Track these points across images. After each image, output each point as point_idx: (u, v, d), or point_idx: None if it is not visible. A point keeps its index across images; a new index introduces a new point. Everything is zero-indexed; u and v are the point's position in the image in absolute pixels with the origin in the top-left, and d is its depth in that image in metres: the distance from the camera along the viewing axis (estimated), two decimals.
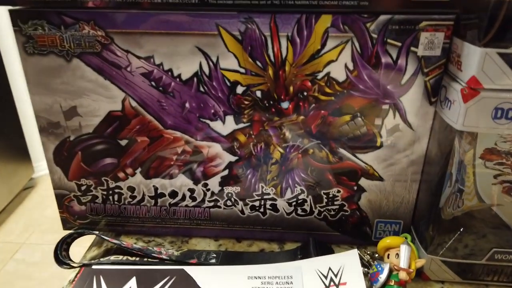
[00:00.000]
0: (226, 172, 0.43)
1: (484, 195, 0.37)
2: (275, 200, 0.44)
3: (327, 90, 0.38)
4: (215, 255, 0.43)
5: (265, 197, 0.44)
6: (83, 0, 0.36)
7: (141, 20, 0.37)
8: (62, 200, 0.46)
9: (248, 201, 0.44)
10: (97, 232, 0.46)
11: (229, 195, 0.44)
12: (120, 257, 0.42)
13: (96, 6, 0.36)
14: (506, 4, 0.30)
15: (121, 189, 0.45)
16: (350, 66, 0.37)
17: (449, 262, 0.39)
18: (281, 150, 0.41)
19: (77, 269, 0.41)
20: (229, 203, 0.45)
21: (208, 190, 0.44)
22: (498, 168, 0.36)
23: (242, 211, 0.45)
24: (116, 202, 0.46)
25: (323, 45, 0.36)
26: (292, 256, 0.42)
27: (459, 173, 0.36)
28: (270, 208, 0.45)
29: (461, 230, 0.38)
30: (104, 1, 0.36)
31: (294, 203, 0.44)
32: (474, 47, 0.32)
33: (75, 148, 0.43)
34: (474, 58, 0.32)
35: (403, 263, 0.37)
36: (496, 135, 0.34)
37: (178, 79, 0.39)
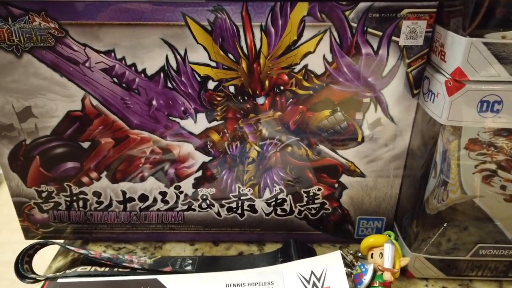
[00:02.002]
0: (199, 173, 0.40)
1: (467, 186, 0.36)
2: (253, 200, 0.42)
3: (305, 83, 0.36)
4: (190, 261, 0.40)
5: (242, 198, 0.41)
6: None
7: (98, 10, 0.33)
8: (21, 208, 0.42)
9: (225, 202, 0.42)
10: (61, 241, 0.42)
11: (204, 197, 0.42)
12: (88, 267, 0.39)
13: None
14: None
15: (86, 194, 0.41)
16: (329, 58, 0.35)
17: (433, 259, 0.38)
18: (258, 149, 0.39)
19: (42, 282, 0.38)
20: (204, 205, 0.42)
21: (181, 192, 0.41)
22: (480, 159, 0.34)
23: (218, 213, 0.43)
24: (81, 209, 0.42)
25: (300, 35, 0.34)
26: (273, 259, 0.40)
27: (444, 163, 0.34)
28: (248, 209, 0.42)
29: (445, 224, 0.37)
30: None
31: (273, 203, 0.42)
32: (459, 37, 0.30)
33: (32, 152, 0.39)
34: (459, 49, 0.30)
35: (387, 263, 0.36)
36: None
37: (142, 75, 0.36)
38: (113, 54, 0.35)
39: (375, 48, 0.34)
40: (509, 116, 0.32)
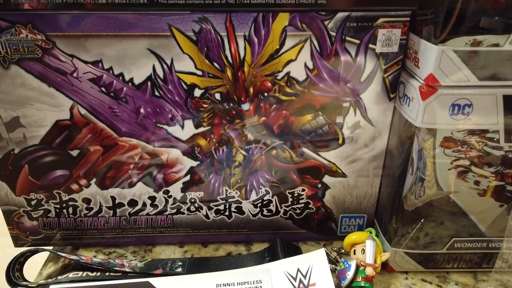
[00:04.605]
0: (187, 177, 0.41)
1: (442, 183, 0.38)
2: (240, 202, 0.43)
3: (288, 90, 0.37)
4: (181, 263, 0.41)
5: (229, 200, 0.43)
6: (18, 2, 0.33)
7: (84, 22, 0.34)
8: (10, 217, 0.43)
9: (213, 205, 0.43)
10: (51, 248, 0.43)
11: (192, 200, 0.43)
12: (80, 273, 0.40)
13: (33, 8, 0.33)
14: None
15: (76, 201, 0.42)
16: (310, 65, 0.36)
17: (412, 253, 0.40)
18: (244, 153, 0.40)
19: None
20: (192, 208, 0.43)
21: (170, 197, 0.42)
22: (454, 155, 0.36)
23: (206, 216, 0.44)
24: (71, 215, 0.43)
25: (282, 44, 0.35)
26: (260, 258, 0.41)
27: (420, 161, 0.36)
28: (236, 211, 0.44)
29: (423, 220, 0.39)
30: (42, 3, 0.33)
31: (260, 204, 0.43)
32: (431, 45, 0.32)
33: (21, 161, 0.39)
34: (431, 56, 0.32)
35: (369, 258, 0.38)
36: None
37: (130, 84, 0.36)
38: (100, 64, 0.35)
39: (353, 55, 0.36)
40: (478, 118, 0.34)
